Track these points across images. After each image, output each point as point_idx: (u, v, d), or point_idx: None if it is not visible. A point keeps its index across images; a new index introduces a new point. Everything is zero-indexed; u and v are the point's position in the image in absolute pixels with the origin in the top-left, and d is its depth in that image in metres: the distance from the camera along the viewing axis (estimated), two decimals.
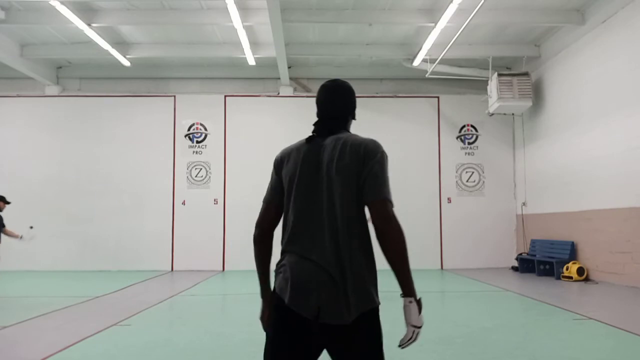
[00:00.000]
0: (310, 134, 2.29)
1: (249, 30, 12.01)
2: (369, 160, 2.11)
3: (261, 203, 2.36)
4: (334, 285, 2.04)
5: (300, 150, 2.25)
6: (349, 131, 2.31)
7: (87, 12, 11.35)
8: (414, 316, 2.08)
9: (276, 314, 2.18)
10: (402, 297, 2.09)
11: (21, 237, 9.77)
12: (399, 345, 2.12)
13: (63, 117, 15.23)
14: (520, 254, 13.97)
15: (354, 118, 2.37)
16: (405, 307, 2.09)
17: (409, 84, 15.29)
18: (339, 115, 2.29)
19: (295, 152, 2.26)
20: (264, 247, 2.32)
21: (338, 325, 2.03)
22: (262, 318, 2.31)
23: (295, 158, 2.23)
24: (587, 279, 11.18)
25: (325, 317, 2.03)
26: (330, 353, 2.11)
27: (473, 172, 15.34)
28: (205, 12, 11.54)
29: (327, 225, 2.09)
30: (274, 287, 2.23)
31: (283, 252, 2.23)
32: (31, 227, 9.52)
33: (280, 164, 2.31)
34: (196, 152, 15.25)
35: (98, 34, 11.96)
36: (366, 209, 2.18)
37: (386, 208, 2.11)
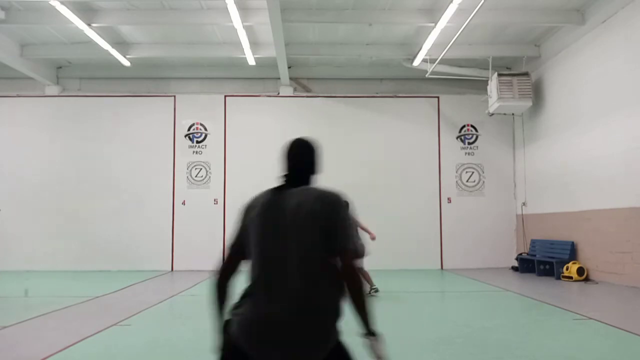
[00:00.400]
0: (278, 185, 2.37)
1: (249, 30, 12.01)
2: (335, 213, 2.24)
3: None
4: (302, 328, 2.10)
5: (267, 198, 2.33)
6: (313, 184, 2.42)
7: (87, 12, 11.35)
8: (382, 350, 2.22)
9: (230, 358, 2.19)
10: (367, 335, 2.22)
11: None
12: None
13: (63, 117, 15.22)
14: (520, 254, 13.97)
15: (319, 172, 2.50)
16: (373, 345, 2.22)
17: (409, 84, 15.28)
18: (308, 169, 2.42)
19: (261, 199, 2.34)
20: (223, 291, 2.38)
21: None
22: (217, 351, 2.33)
23: (261, 205, 2.31)
24: (587, 279, 11.18)
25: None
26: None
27: (473, 172, 15.34)
28: (205, 12, 11.54)
29: (295, 269, 2.15)
30: (230, 331, 2.22)
31: (244, 297, 2.25)
32: (26, 294, 9.35)
33: (247, 211, 2.37)
34: (196, 152, 15.25)
35: (98, 34, 11.96)
36: None
37: (351, 260, 2.23)
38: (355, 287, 2.20)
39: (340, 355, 2.20)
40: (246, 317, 2.17)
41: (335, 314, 2.21)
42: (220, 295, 2.38)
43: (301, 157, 2.42)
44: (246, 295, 2.24)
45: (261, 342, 2.10)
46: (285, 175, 2.39)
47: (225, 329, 2.25)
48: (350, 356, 2.24)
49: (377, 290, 9.30)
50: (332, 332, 2.17)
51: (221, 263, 2.41)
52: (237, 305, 2.25)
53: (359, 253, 2.03)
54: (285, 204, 2.25)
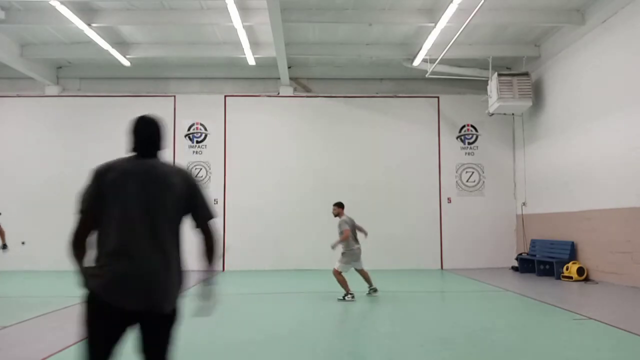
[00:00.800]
0: (132, 155, 2.62)
1: (249, 30, 12.01)
2: (194, 187, 2.68)
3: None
4: (161, 285, 2.50)
5: (127, 165, 2.56)
6: (162, 157, 2.71)
7: (87, 12, 11.35)
8: (213, 295, 2.77)
9: (98, 312, 2.52)
10: (208, 284, 2.75)
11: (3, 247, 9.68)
12: (197, 315, 2.75)
13: (63, 117, 15.22)
14: (520, 254, 13.96)
15: (164, 147, 2.79)
16: (211, 289, 2.76)
17: (409, 84, 15.29)
18: (157, 143, 2.70)
19: (120, 167, 2.55)
20: (82, 251, 2.57)
21: (158, 315, 2.54)
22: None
23: (121, 173, 2.53)
24: (587, 279, 11.18)
25: (153, 309, 2.50)
26: (145, 334, 2.58)
27: (473, 172, 15.34)
28: (205, 12, 11.54)
29: (157, 235, 2.49)
30: (93, 287, 2.48)
31: (109, 256, 2.47)
32: (23, 243, 9.50)
33: (101, 176, 2.55)
34: (196, 152, 15.25)
35: (98, 34, 11.96)
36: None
37: (212, 227, 2.75)
38: (212, 242, 2.71)
39: (176, 315, 2.62)
40: (113, 273, 2.44)
41: (182, 273, 2.63)
42: (80, 254, 2.56)
43: (152, 132, 2.68)
44: (106, 253, 2.47)
45: (128, 294, 2.43)
46: (138, 149, 2.63)
47: (88, 284, 2.50)
48: (178, 322, 2.66)
49: (375, 290, 9.30)
50: (179, 288, 2.59)
51: (78, 225, 2.57)
52: (99, 264, 2.48)
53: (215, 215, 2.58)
54: (146, 173, 2.54)
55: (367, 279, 9.30)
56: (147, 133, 2.67)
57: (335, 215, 9.37)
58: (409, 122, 15.35)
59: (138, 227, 2.47)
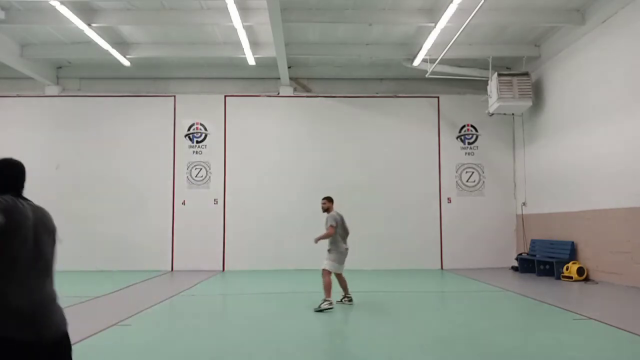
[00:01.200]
0: (11, 194, 2.72)
1: (249, 30, 12.01)
2: (56, 231, 2.86)
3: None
4: (57, 312, 2.71)
5: (20, 208, 2.66)
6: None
7: (87, 12, 11.35)
8: None
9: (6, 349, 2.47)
10: None
11: None
12: None
13: (63, 117, 15.22)
14: (520, 254, 13.96)
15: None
16: None
17: (409, 84, 15.29)
18: (23, 183, 2.88)
19: (15, 207, 2.65)
20: None
21: (60, 340, 2.70)
22: None
23: (18, 212, 2.63)
24: (587, 279, 11.18)
25: (56, 336, 2.67)
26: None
27: (473, 172, 15.34)
28: (205, 12, 11.54)
29: (44, 269, 2.71)
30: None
31: (14, 300, 2.50)
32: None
33: (6, 214, 2.57)
34: (196, 152, 15.25)
35: (98, 34, 11.96)
36: None
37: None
38: None
39: (68, 339, 2.76)
40: (17, 309, 2.51)
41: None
42: None
43: (20, 173, 2.86)
44: (10, 294, 2.51)
45: (36, 326, 2.55)
46: (11, 188, 2.76)
47: None
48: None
49: (350, 300, 8.67)
50: (64, 318, 2.78)
51: None
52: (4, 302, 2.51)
53: None
54: (37, 217, 2.72)
55: (344, 286, 8.66)
56: (16, 174, 2.84)
57: (325, 210, 8.68)
58: (409, 122, 15.35)
59: (30, 267, 2.62)
